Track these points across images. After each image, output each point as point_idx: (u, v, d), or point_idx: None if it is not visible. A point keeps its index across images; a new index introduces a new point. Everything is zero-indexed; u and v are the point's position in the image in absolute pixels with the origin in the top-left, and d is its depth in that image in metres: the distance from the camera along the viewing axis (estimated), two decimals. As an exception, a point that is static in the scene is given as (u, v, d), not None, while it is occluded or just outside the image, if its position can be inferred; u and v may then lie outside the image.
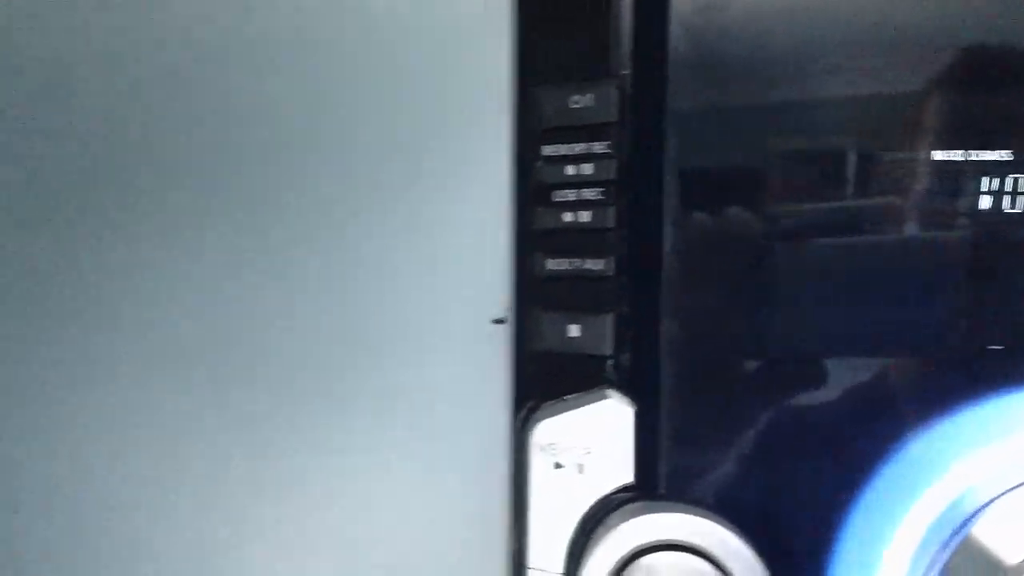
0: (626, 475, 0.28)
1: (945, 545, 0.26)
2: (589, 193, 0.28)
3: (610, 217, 0.28)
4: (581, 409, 0.28)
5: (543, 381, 0.29)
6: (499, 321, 0.31)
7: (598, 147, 0.27)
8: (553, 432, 0.28)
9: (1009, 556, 0.25)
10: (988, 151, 0.26)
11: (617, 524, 0.27)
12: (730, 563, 0.26)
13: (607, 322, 0.28)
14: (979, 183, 0.26)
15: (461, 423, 0.30)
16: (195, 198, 0.32)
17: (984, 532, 0.26)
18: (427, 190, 0.30)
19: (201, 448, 0.32)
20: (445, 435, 0.30)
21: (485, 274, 0.29)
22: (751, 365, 0.27)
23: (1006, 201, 0.26)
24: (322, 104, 0.31)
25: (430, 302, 0.31)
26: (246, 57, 0.31)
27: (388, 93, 0.30)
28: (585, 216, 0.28)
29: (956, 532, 0.26)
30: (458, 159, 0.30)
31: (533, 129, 0.29)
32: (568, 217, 0.28)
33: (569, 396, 0.28)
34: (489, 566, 0.30)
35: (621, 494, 0.28)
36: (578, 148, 0.28)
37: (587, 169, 0.28)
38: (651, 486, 0.28)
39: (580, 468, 0.28)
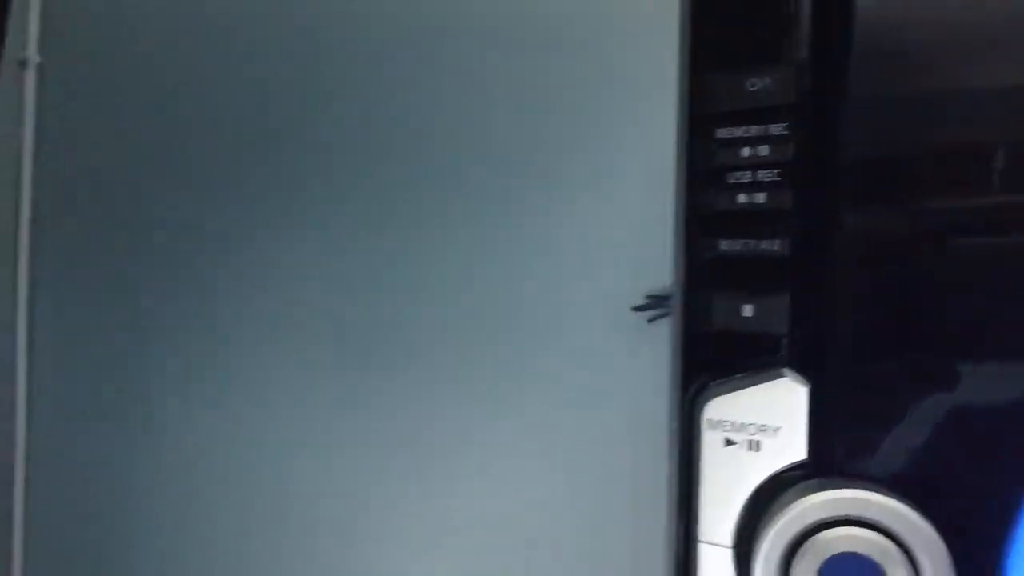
0: (799, 452, 0.28)
1: None
2: (765, 175, 0.28)
3: (786, 198, 0.28)
4: (754, 387, 0.28)
5: (713, 360, 0.30)
6: (640, 308, 0.31)
7: (775, 129, 0.28)
8: (725, 410, 0.29)
9: None
10: None
11: (793, 500, 0.27)
12: (909, 539, 0.27)
13: (783, 302, 0.28)
14: None
15: (627, 399, 0.31)
16: (369, 193, 0.33)
17: None
18: (593, 175, 0.31)
19: (372, 428, 0.33)
20: (612, 412, 0.31)
21: (654, 255, 0.30)
22: (927, 348, 0.28)
23: None
24: (492, 92, 0.32)
25: (596, 284, 0.31)
26: (413, 53, 0.32)
27: (557, 78, 0.31)
28: (760, 197, 0.28)
29: None
30: (624, 144, 0.31)
31: (703, 112, 0.29)
32: (743, 198, 0.28)
33: (740, 374, 0.29)
34: (652, 538, 0.31)
35: (794, 471, 0.29)
36: (754, 130, 0.28)
37: (763, 151, 0.28)
38: (825, 463, 0.28)
39: (752, 445, 0.29)
